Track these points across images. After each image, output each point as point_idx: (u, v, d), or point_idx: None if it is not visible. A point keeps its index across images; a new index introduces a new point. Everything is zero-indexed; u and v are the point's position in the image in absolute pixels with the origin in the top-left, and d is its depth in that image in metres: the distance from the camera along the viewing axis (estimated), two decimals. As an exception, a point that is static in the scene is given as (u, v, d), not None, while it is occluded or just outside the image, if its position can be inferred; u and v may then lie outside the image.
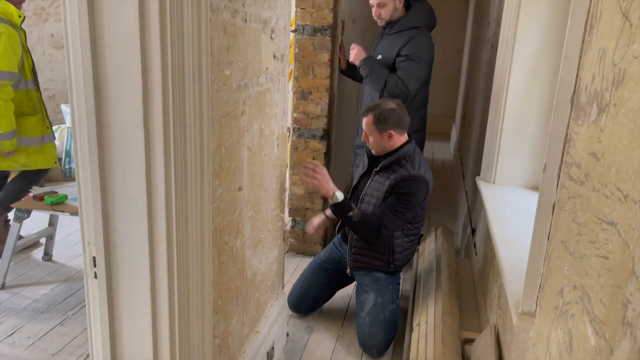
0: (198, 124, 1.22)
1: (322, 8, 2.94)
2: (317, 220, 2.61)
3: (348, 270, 2.49)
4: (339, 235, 2.63)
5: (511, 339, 1.52)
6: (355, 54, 2.86)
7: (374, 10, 2.83)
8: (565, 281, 1.02)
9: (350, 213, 2.26)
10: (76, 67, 1.09)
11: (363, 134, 2.36)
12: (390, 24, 2.82)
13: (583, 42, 1.08)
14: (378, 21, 2.87)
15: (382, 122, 2.27)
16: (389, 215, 2.25)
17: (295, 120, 3.14)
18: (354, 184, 2.52)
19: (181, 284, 1.25)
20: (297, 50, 3.04)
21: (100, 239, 1.18)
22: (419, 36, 2.74)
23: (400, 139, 2.32)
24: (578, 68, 1.10)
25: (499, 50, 2.24)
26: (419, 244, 3.04)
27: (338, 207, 2.28)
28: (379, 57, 2.85)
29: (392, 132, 2.28)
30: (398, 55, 2.74)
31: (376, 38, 3.03)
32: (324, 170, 2.29)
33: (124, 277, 1.22)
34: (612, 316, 0.76)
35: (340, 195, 2.27)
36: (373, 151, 2.38)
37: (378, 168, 2.35)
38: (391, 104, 2.29)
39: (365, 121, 2.32)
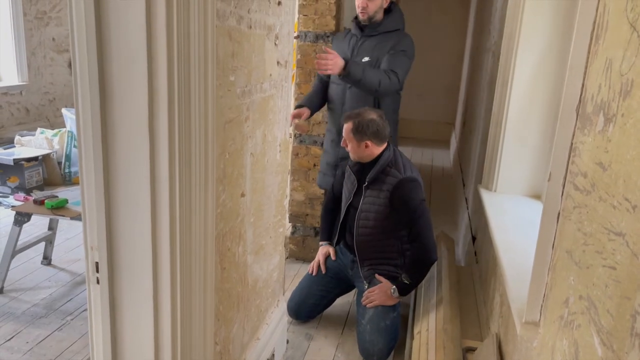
0: (203, 130, 1.22)
1: (324, 15, 2.95)
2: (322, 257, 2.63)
3: (366, 285, 2.42)
4: (340, 244, 2.62)
5: (514, 349, 1.52)
6: (334, 62, 2.48)
7: (361, 1, 2.65)
8: (570, 291, 1.02)
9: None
10: (82, 71, 1.08)
11: (343, 139, 2.37)
12: (371, 25, 2.71)
13: (589, 52, 1.08)
14: (361, 15, 2.69)
15: (360, 132, 2.28)
16: (427, 233, 2.35)
17: (296, 127, 3.13)
18: (347, 203, 2.49)
19: (184, 290, 1.24)
20: (299, 56, 3.04)
21: (104, 244, 1.18)
22: (407, 36, 2.74)
23: (378, 148, 2.33)
24: (584, 78, 1.10)
25: (501, 58, 2.25)
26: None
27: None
28: (366, 59, 2.71)
29: (369, 142, 2.30)
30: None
31: (346, 40, 2.81)
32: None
33: (127, 282, 1.21)
34: (620, 327, 0.76)
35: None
36: (351, 156, 2.40)
37: (366, 183, 2.36)
38: (372, 115, 2.30)
39: (345, 127, 2.33)
